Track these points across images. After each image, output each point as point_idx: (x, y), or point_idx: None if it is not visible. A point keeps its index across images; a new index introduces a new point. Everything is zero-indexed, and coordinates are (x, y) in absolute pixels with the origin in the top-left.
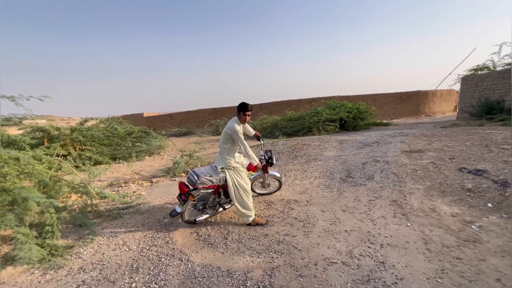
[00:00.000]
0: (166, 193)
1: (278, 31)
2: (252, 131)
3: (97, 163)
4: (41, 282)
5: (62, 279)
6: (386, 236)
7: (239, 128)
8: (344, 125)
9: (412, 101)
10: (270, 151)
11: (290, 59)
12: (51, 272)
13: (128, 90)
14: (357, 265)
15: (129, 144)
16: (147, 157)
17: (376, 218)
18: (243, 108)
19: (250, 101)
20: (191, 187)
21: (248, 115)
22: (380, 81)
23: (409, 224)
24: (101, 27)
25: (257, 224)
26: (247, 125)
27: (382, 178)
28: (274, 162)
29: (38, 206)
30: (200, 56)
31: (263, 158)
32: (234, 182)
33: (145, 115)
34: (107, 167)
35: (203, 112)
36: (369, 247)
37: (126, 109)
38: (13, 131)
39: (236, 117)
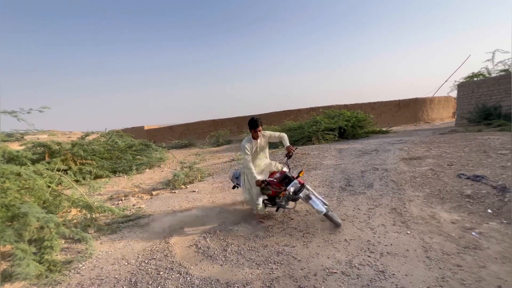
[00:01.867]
0: (165, 205)
1: (274, 42)
2: (278, 138)
3: (97, 176)
4: None
5: None
6: (386, 245)
7: (247, 145)
8: (343, 134)
9: (411, 109)
10: (288, 176)
11: (288, 69)
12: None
13: (128, 103)
14: (357, 275)
15: (129, 157)
16: (147, 170)
17: (376, 226)
18: (251, 125)
19: (249, 112)
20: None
21: (258, 131)
22: (378, 89)
23: (408, 232)
24: (102, 41)
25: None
26: (268, 133)
27: (381, 186)
28: (291, 189)
29: (37, 221)
30: (199, 68)
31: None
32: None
33: (145, 128)
34: (107, 181)
35: (203, 124)
36: (369, 256)
37: (127, 123)
38: (15, 146)
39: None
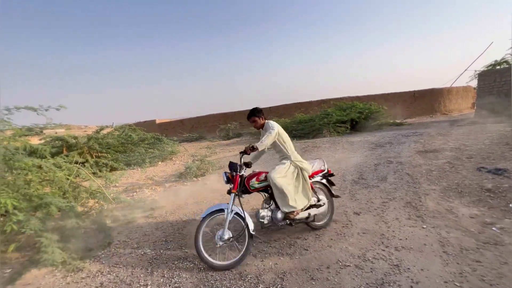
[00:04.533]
0: (178, 198)
1: (285, 33)
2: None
3: (112, 169)
4: (63, 284)
5: (81, 281)
6: (400, 239)
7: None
8: (355, 126)
9: (427, 100)
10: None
11: (299, 61)
12: (72, 274)
13: (140, 97)
14: (371, 268)
15: (142, 150)
16: (160, 163)
17: (390, 220)
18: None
19: (260, 104)
20: None
21: (252, 121)
22: (392, 80)
23: (424, 226)
24: (115, 36)
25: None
26: (269, 126)
27: (395, 179)
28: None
29: (59, 211)
30: (210, 61)
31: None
32: None
33: (157, 121)
34: (123, 173)
35: (213, 117)
36: (383, 250)
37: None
38: (35, 140)
39: None
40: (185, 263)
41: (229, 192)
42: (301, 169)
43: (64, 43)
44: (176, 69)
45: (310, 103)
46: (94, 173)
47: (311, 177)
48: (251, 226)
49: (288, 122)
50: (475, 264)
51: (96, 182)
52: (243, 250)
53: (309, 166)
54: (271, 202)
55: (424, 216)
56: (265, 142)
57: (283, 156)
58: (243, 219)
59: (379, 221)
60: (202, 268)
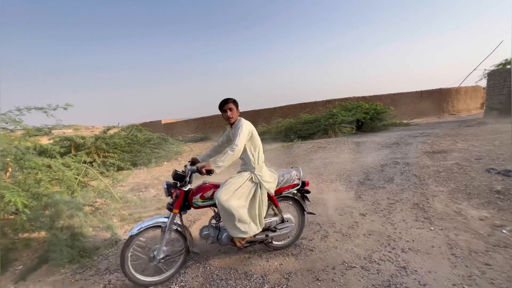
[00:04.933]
0: None
1: (290, 33)
2: (232, 140)
3: (119, 168)
4: (72, 281)
5: (90, 279)
6: (407, 240)
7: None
8: (361, 127)
9: (434, 100)
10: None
11: (304, 61)
12: (80, 271)
13: (145, 97)
14: (377, 270)
15: (148, 150)
16: (165, 162)
17: (397, 221)
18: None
19: (264, 104)
20: None
21: (227, 110)
22: (399, 80)
23: (432, 228)
24: (120, 36)
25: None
26: (240, 125)
27: (402, 180)
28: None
29: (68, 210)
30: (215, 61)
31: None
32: None
33: (162, 122)
34: (130, 173)
35: (217, 117)
36: (389, 252)
37: (145, 117)
38: (44, 140)
39: None
40: (191, 262)
41: (169, 208)
42: (261, 186)
43: (71, 43)
44: (182, 69)
45: (315, 104)
46: (101, 173)
47: (279, 192)
48: (192, 245)
49: (293, 123)
50: (485, 267)
51: (103, 181)
52: (177, 265)
53: (275, 181)
54: (220, 220)
55: (431, 217)
56: (226, 162)
57: (246, 166)
58: (184, 238)
59: (385, 222)
60: (207, 267)
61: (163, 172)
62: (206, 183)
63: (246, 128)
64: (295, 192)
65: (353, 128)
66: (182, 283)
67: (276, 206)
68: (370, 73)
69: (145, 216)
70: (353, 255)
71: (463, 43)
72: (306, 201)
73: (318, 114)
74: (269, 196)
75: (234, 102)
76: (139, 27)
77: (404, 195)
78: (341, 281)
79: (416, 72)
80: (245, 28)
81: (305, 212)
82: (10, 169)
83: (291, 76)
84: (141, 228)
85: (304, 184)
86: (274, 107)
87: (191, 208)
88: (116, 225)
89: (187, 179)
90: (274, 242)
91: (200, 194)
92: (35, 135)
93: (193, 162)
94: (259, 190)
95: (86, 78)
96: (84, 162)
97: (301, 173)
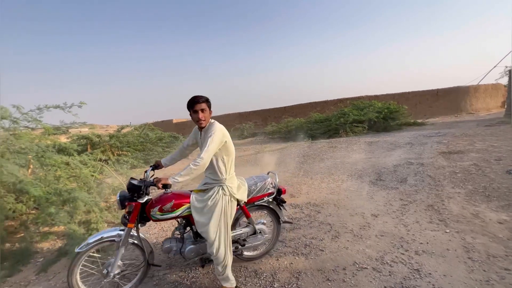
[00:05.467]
0: None
1: (301, 31)
2: (199, 146)
3: (132, 166)
4: (88, 274)
5: (94, 280)
6: (421, 243)
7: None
8: (373, 127)
9: (451, 98)
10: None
11: (315, 59)
12: (98, 265)
13: (157, 97)
14: (389, 272)
15: (160, 149)
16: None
17: (410, 223)
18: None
19: (274, 104)
20: None
21: (198, 111)
22: (413, 78)
23: (447, 231)
24: (130, 36)
25: None
26: (213, 129)
27: (416, 181)
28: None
29: (84, 205)
30: (225, 60)
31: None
32: None
33: (174, 121)
34: (143, 170)
35: (228, 117)
36: (402, 254)
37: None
38: (62, 139)
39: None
40: (193, 263)
41: (123, 222)
42: (232, 198)
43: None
44: (192, 69)
45: (326, 103)
46: (115, 170)
47: (251, 201)
48: (152, 258)
49: (303, 122)
50: (504, 272)
51: (118, 179)
52: (137, 279)
53: (245, 191)
54: (186, 230)
55: (447, 220)
56: (186, 177)
57: (214, 176)
58: (143, 250)
59: (398, 223)
60: (211, 266)
61: (175, 170)
62: (167, 193)
63: (218, 137)
64: (270, 200)
65: (364, 128)
66: (193, 279)
67: (248, 217)
68: (384, 71)
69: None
70: (365, 256)
71: (482, 39)
72: (282, 209)
73: (329, 113)
74: (240, 206)
75: (207, 101)
76: (152, 25)
77: (418, 196)
78: (352, 282)
79: (432, 70)
80: (257, 25)
81: (281, 221)
82: (31, 166)
83: (302, 75)
84: (88, 244)
85: (280, 191)
86: (285, 107)
87: (150, 220)
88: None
89: (143, 190)
90: (245, 253)
91: (159, 206)
92: (54, 134)
93: (157, 165)
94: (230, 203)
95: (100, 77)
96: (100, 160)
97: (277, 180)
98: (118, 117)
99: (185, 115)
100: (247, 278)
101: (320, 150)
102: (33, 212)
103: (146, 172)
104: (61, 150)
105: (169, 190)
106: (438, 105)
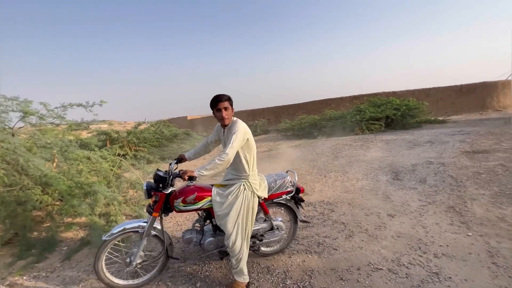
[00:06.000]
0: None
1: (316, 26)
2: (223, 143)
3: (148, 162)
4: (107, 263)
5: (118, 267)
6: (440, 245)
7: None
8: (391, 124)
9: (477, 95)
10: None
11: (330, 55)
12: (115, 256)
13: (172, 94)
14: (406, 274)
15: (174, 145)
16: None
17: (429, 224)
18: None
19: (288, 101)
20: None
21: (221, 109)
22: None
23: (470, 234)
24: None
25: None
26: (228, 130)
27: (436, 181)
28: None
29: (104, 198)
30: (240, 57)
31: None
32: None
33: (188, 118)
34: (158, 166)
35: (240, 113)
36: (420, 256)
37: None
38: (83, 134)
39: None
40: (213, 254)
41: (149, 210)
42: (254, 194)
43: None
44: (206, 66)
45: (341, 99)
46: (133, 165)
47: (270, 198)
48: (171, 250)
49: (317, 119)
50: None
51: (135, 173)
52: (155, 270)
53: (266, 187)
54: (206, 223)
55: (469, 222)
56: (211, 171)
57: (237, 173)
58: (162, 242)
59: (416, 224)
60: (229, 259)
61: (189, 166)
62: (190, 185)
63: (241, 134)
64: (288, 198)
65: (381, 125)
66: (207, 273)
67: (266, 213)
68: (402, 67)
69: None
70: (380, 256)
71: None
72: (300, 208)
73: (344, 110)
74: (259, 202)
75: (230, 100)
76: (171, 26)
77: (438, 197)
78: (367, 282)
79: (455, 66)
80: (274, 22)
81: (298, 220)
82: (56, 160)
83: (318, 72)
84: (112, 234)
85: (298, 190)
86: (299, 103)
87: (173, 211)
88: (146, 215)
89: (169, 181)
90: (262, 248)
91: (182, 197)
92: (76, 130)
93: (180, 159)
94: (252, 199)
95: (118, 76)
96: (118, 155)
97: (296, 178)
98: (135, 114)
99: (199, 112)
100: (259, 274)
101: (335, 148)
102: (58, 203)
103: (170, 164)
104: (83, 145)
105: (192, 183)
106: (461, 102)
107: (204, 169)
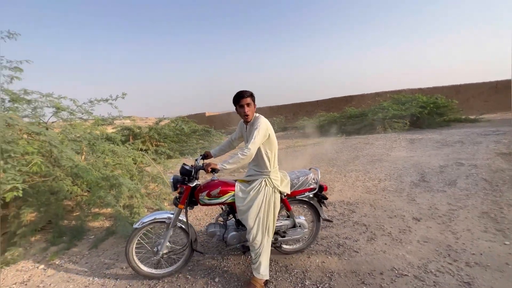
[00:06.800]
0: None
1: (336, 18)
2: (245, 139)
3: (168, 157)
4: (136, 250)
5: (145, 254)
6: (473, 253)
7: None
8: (416, 122)
9: None
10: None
11: (351, 49)
12: (145, 243)
13: (192, 90)
14: (434, 282)
15: (194, 141)
16: None
17: (460, 230)
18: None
19: (306, 98)
20: None
21: (244, 105)
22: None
23: (507, 243)
24: (164, 33)
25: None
26: (258, 123)
27: (468, 185)
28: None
29: (128, 191)
30: (258, 53)
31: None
32: None
33: (207, 114)
34: (178, 161)
35: (258, 110)
36: (449, 263)
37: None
38: (109, 129)
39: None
40: (234, 250)
41: (175, 202)
42: (275, 190)
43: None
44: (226, 63)
45: (362, 97)
46: (154, 159)
47: (293, 195)
48: (196, 244)
49: (337, 117)
50: None
51: (156, 168)
52: (180, 262)
53: (288, 184)
54: (229, 217)
55: (506, 230)
56: (233, 165)
57: (259, 169)
58: (187, 235)
59: (444, 230)
60: (248, 256)
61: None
62: (214, 180)
63: (263, 129)
64: (311, 196)
65: (406, 124)
66: (225, 268)
67: (289, 210)
68: (431, 62)
69: None
70: (405, 262)
71: None
72: (323, 206)
73: (366, 108)
74: (281, 199)
75: (252, 96)
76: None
77: (469, 202)
78: None
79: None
80: (287, 19)
81: (321, 219)
82: (84, 153)
83: (338, 68)
84: (143, 223)
85: (322, 188)
86: (317, 101)
87: (198, 204)
88: (166, 208)
89: (194, 175)
90: (283, 246)
91: (207, 191)
92: (102, 125)
93: (206, 155)
94: (273, 195)
95: (139, 71)
96: (140, 150)
97: (319, 176)
98: (156, 110)
99: (217, 109)
100: (277, 273)
101: (355, 146)
102: (86, 194)
103: (196, 160)
104: (108, 139)
105: (215, 176)
106: (496, 100)
107: (226, 163)
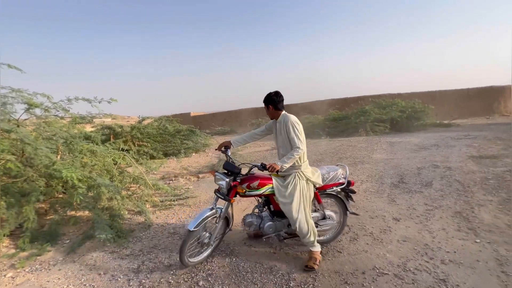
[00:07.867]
0: (211, 188)
1: (323, 22)
2: (276, 135)
3: (151, 157)
4: (110, 258)
5: (126, 258)
6: (447, 251)
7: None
8: (396, 126)
9: (483, 99)
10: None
11: (334, 54)
12: (117, 251)
13: (175, 89)
14: (412, 280)
15: (178, 141)
16: (193, 154)
17: (436, 230)
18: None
19: (293, 100)
20: None
21: (265, 106)
22: (442, 77)
23: (478, 241)
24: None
25: None
26: (280, 124)
27: (442, 186)
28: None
29: (108, 192)
30: (241, 53)
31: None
32: None
33: (191, 114)
34: (163, 162)
35: (244, 111)
36: (426, 262)
37: (175, 109)
38: (87, 128)
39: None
40: (217, 251)
41: (218, 196)
42: (309, 182)
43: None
44: (210, 64)
45: (345, 100)
46: (136, 160)
47: (323, 189)
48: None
49: (321, 120)
50: None
51: (138, 169)
52: (212, 248)
53: (319, 177)
54: (264, 209)
55: (477, 229)
56: (290, 163)
57: (292, 165)
58: (228, 225)
59: (422, 229)
60: (233, 259)
61: (192, 163)
62: (253, 174)
63: (300, 126)
64: (339, 190)
65: (386, 127)
66: (209, 271)
67: (319, 203)
68: (409, 69)
69: (175, 204)
70: (385, 261)
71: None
72: (350, 201)
73: (349, 111)
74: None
75: (266, 101)
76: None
77: (444, 202)
78: (372, 287)
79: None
80: (275, 18)
81: (348, 212)
82: (60, 152)
83: (323, 71)
84: (198, 224)
85: (349, 183)
86: (301, 103)
87: (237, 196)
88: (148, 210)
89: (248, 173)
90: None
91: (247, 183)
92: (80, 123)
93: (227, 146)
94: (307, 186)
95: (124, 69)
96: (122, 149)
97: (347, 172)
98: (138, 109)
99: (202, 109)
100: (262, 275)
101: (338, 149)
102: (61, 196)
103: (226, 153)
104: (87, 138)
105: (254, 172)
106: (467, 106)
107: (285, 163)
